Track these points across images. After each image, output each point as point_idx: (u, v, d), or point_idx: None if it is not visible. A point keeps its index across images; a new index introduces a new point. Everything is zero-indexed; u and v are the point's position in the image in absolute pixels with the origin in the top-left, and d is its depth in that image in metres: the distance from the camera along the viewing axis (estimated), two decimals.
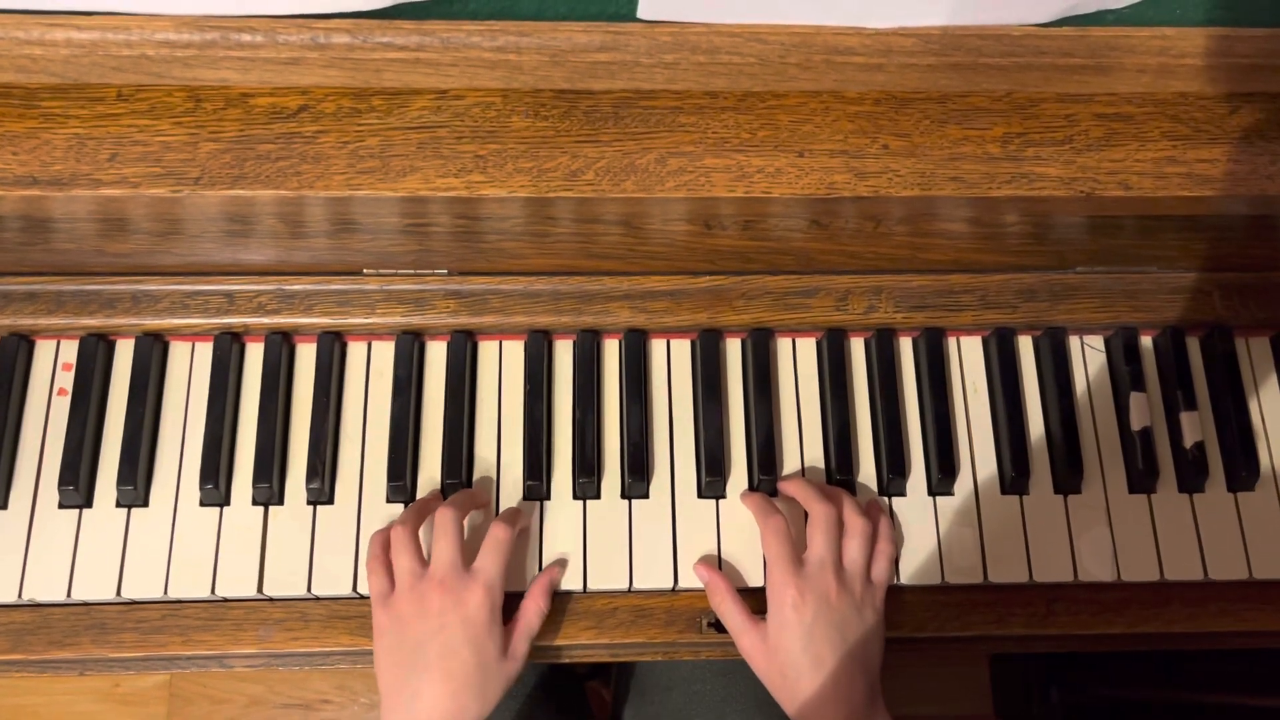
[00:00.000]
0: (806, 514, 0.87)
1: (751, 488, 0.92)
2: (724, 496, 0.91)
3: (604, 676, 1.40)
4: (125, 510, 0.89)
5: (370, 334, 0.94)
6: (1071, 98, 0.80)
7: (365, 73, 0.76)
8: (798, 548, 0.85)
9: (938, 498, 0.92)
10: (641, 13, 0.72)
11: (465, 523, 0.86)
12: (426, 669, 0.79)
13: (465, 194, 0.76)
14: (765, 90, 0.79)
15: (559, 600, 0.88)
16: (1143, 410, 0.93)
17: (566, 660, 0.90)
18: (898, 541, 0.90)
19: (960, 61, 0.76)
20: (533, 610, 0.84)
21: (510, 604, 0.84)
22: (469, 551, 0.84)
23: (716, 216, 0.85)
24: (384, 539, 0.85)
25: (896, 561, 0.89)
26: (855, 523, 0.85)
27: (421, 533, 0.85)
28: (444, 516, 0.83)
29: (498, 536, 0.83)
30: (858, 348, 0.96)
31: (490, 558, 0.82)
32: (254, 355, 0.93)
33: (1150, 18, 0.75)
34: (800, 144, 0.78)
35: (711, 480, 0.90)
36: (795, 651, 0.81)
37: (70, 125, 0.76)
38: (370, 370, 0.94)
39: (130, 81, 0.76)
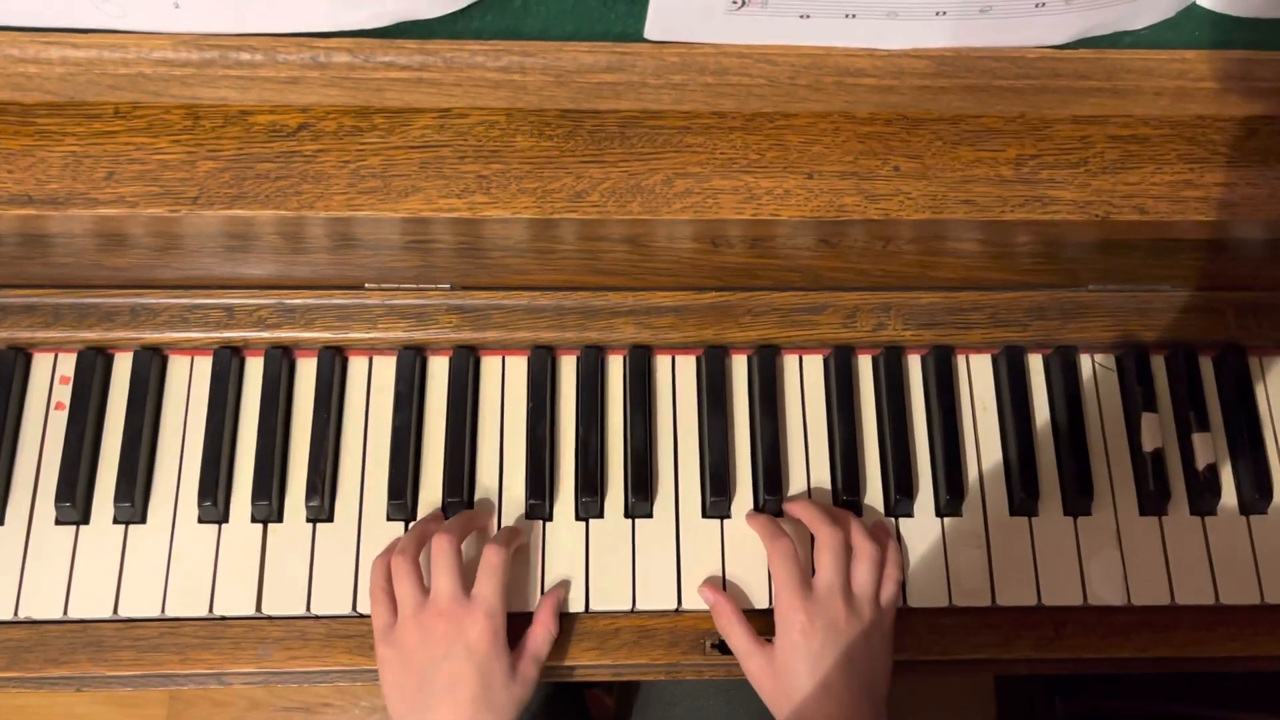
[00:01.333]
0: (813, 536, 0.86)
1: (757, 508, 0.90)
2: (729, 516, 0.90)
3: (606, 684, 1.40)
4: (123, 527, 0.88)
5: (372, 349, 0.93)
6: (1086, 119, 0.79)
7: (366, 92, 0.74)
8: (805, 571, 0.84)
9: (945, 519, 0.91)
10: (648, 33, 0.71)
11: (466, 545, 0.85)
12: (435, 700, 0.78)
13: (468, 215, 0.75)
14: (774, 111, 0.78)
15: (561, 620, 0.87)
16: (1154, 431, 0.91)
17: (568, 680, 0.89)
18: (904, 564, 0.89)
19: (974, 83, 0.74)
20: (540, 634, 0.84)
21: (514, 623, 0.83)
22: (469, 575, 0.83)
23: (723, 235, 0.84)
24: (385, 568, 0.84)
25: (903, 584, 0.88)
26: (863, 546, 0.84)
27: (422, 557, 0.84)
28: (440, 545, 0.82)
29: (492, 562, 0.82)
30: (865, 365, 0.95)
31: (488, 584, 0.81)
32: (254, 370, 0.92)
33: (1168, 40, 0.73)
34: (809, 165, 0.77)
35: (716, 500, 0.89)
36: (802, 676, 0.80)
37: (67, 143, 0.75)
38: (371, 386, 0.92)
39: (127, 99, 0.75)
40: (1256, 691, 1.22)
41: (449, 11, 0.70)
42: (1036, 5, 0.69)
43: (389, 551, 0.86)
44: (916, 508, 0.91)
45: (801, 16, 0.69)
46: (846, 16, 0.69)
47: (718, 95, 0.75)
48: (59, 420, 0.89)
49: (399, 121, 0.77)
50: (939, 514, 0.91)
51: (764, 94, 0.75)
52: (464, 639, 0.79)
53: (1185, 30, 0.73)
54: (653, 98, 0.76)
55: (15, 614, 0.85)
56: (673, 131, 0.78)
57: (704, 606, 0.87)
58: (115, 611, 0.85)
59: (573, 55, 0.72)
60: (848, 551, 0.84)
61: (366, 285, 0.90)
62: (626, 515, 0.90)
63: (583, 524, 0.89)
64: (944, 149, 0.78)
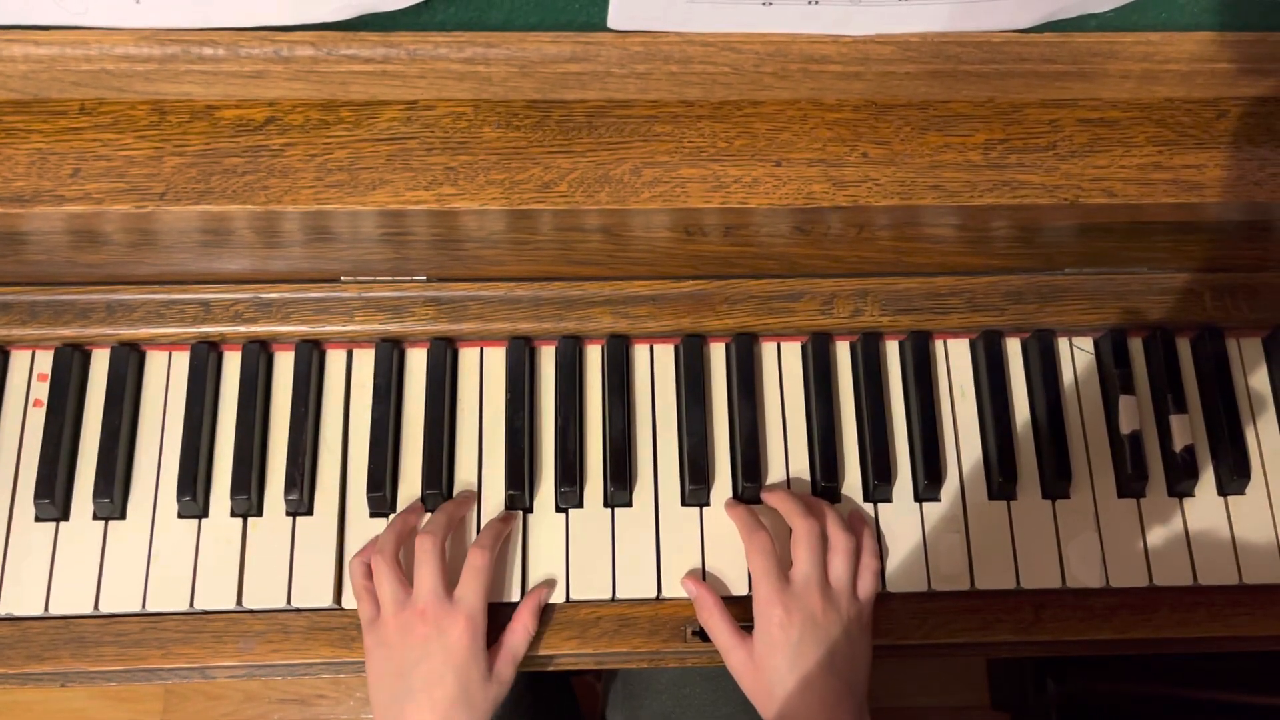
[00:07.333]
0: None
1: (735, 495, 0.90)
2: (708, 504, 0.90)
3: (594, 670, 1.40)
4: (102, 523, 0.88)
5: (349, 342, 0.93)
6: (1054, 103, 0.78)
7: (331, 85, 0.74)
8: (783, 563, 0.84)
9: (924, 504, 0.91)
10: (612, 22, 0.71)
11: (448, 543, 0.85)
12: (412, 696, 0.79)
13: (436, 207, 0.75)
14: (741, 99, 0.78)
15: (542, 611, 0.87)
16: (1132, 413, 0.91)
17: (550, 669, 0.90)
18: (882, 553, 0.89)
19: (940, 69, 0.74)
20: (519, 633, 0.84)
21: (492, 614, 0.84)
22: (452, 570, 0.83)
23: (697, 224, 0.83)
24: (364, 566, 0.85)
25: (882, 573, 0.88)
26: (839, 538, 0.84)
27: (401, 553, 0.85)
28: (424, 544, 0.83)
29: (476, 564, 0.83)
30: (843, 352, 0.95)
31: (470, 585, 0.82)
32: (231, 364, 0.92)
33: (1134, 22, 0.73)
34: (778, 153, 0.77)
35: (695, 488, 0.89)
36: (782, 670, 0.80)
37: (32, 140, 0.75)
38: (349, 379, 0.92)
39: (92, 96, 0.75)
40: (1247, 673, 1.22)
41: (412, 3, 0.69)
42: None
43: (367, 549, 0.86)
44: (895, 493, 0.91)
45: (764, 4, 0.69)
46: (809, 3, 0.69)
47: (683, 84, 0.75)
48: (37, 417, 0.90)
49: (365, 114, 0.77)
50: (917, 499, 0.91)
51: (729, 82, 0.75)
52: (443, 640, 0.80)
53: (1151, 13, 0.73)
54: (618, 87, 0.75)
55: None
56: (640, 121, 0.77)
57: (684, 594, 0.87)
58: (96, 607, 0.86)
59: (536, 46, 0.72)
60: (824, 542, 0.84)
61: (342, 278, 0.90)
62: (606, 505, 0.90)
63: (562, 514, 0.90)
64: (912, 135, 0.78)
